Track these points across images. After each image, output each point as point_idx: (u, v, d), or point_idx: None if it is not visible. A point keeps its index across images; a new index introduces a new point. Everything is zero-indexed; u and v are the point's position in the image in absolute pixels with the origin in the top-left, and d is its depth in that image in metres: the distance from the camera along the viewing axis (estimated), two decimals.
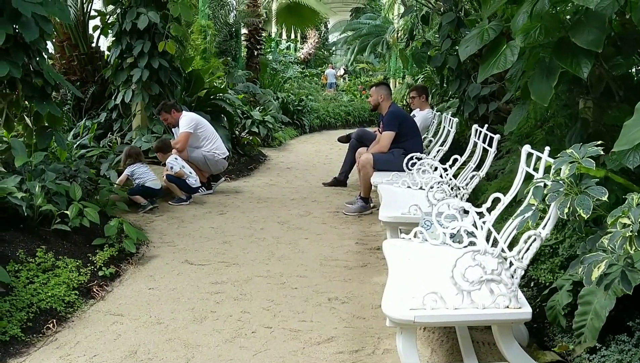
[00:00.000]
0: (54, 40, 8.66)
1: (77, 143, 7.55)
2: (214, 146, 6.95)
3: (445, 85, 6.89)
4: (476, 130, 4.88)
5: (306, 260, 4.50)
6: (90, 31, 9.08)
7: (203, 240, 4.99)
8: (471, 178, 4.27)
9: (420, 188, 5.01)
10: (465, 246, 3.24)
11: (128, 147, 6.44)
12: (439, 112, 7.13)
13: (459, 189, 4.29)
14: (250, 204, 6.47)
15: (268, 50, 19.19)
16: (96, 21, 8.96)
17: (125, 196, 5.54)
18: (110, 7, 8.30)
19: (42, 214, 4.09)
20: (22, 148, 4.34)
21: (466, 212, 3.35)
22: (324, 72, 29.70)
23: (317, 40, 29.08)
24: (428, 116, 7.17)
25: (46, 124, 5.06)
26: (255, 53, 15.48)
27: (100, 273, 3.94)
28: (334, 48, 38.21)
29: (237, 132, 9.83)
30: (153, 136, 7.89)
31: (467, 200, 4.28)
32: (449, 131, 5.82)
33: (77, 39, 8.86)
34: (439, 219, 3.37)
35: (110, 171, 6.68)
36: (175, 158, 6.36)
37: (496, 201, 3.23)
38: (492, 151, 4.19)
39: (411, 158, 5.51)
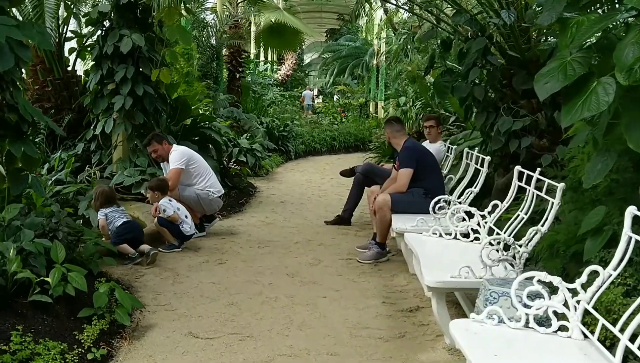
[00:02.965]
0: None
1: (52, 178, 6.80)
2: (208, 183, 6.25)
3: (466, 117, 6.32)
4: (520, 173, 4.27)
5: (332, 329, 3.82)
6: (66, 54, 8.34)
7: (205, 301, 4.28)
8: (533, 234, 3.64)
9: (455, 238, 4.39)
10: (555, 331, 2.64)
11: (99, 187, 5.60)
12: (453, 146, 6.54)
13: (517, 247, 3.66)
14: (251, 250, 5.77)
15: (247, 72, 18.56)
16: (72, 43, 8.24)
17: (114, 248, 4.79)
18: (89, 29, 7.60)
19: (17, 283, 3.34)
20: None
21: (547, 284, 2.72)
22: (301, 93, 29.19)
23: (294, 61, 28.57)
24: (441, 149, 6.58)
25: (20, 166, 4.33)
26: (237, 76, 14.87)
27: (90, 356, 3.21)
28: (308, 70, 37.85)
29: (224, 162, 9.13)
30: (136, 169, 7.16)
31: (526, 262, 3.66)
32: (478, 171, 5.21)
33: (52, 62, 8.11)
34: (519, 294, 2.75)
35: (89, 211, 5.93)
36: (170, 200, 5.64)
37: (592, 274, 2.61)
38: (555, 203, 3.57)
39: (438, 201, 4.89)
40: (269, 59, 27.69)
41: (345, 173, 7.39)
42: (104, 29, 7.24)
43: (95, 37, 7.50)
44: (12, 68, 3.83)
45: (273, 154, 12.50)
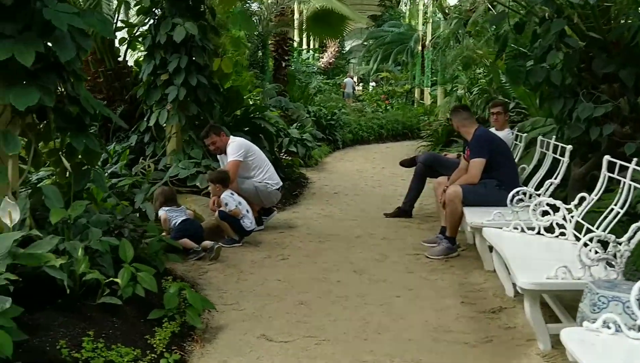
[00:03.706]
0: None
1: (107, 171, 6.70)
2: (266, 175, 6.05)
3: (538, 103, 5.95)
4: (609, 162, 3.93)
5: (412, 332, 3.56)
6: (117, 44, 8.23)
7: (273, 300, 4.08)
8: (635, 231, 3.31)
9: (538, 233, 4.08)
10: None
11: (161, 188, 5.57)
12: (522, 133, 6.17)
13: (617, 245, 3.33)
14: (312, 245, 5.55)
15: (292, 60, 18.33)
16: (123, 33, 8.11)
17: (178, 245, 4.62)
18: (140, 18, 7.46)
19: (85, 284, 3.18)
20: (57, 197, 3.44)
21: None
22: (342, 81, 28.88)
23: (336, 48, 28.22)
24: (509, 137, 6.23)
25: (81, 160, 4.18)
26: (283, 64, 14.65)
27: (163, 362, 3.02)
28: (349, 57, 37.40)
29: (276, 153, 8.93)
30: (191, 161, 7.00)
31: (628, 260, 3.33)
32: (555, 160, 4.87)
33: (103, 53, 8.00)
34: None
35: (145, 204, 5.80)
36: (231, 194, 5.45)
37: None
38: None
39: (516, 193, 4.58)
40: (311, 46, 27.36)
41: (405, 163, 7.10)
42: (156, 17, 7.09)
43: (146, 27, 7.38)
44: (74, 58, 3.67)
45: (321, 144, 12.27)
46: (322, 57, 27.25)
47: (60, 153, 4.12)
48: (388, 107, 20.85)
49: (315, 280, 4.53)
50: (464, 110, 5.44)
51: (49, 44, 3.59)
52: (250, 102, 8.80)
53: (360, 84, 33.57)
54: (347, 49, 36.20)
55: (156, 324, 3.34)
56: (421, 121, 16.77)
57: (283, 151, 9.72)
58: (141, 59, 9.18)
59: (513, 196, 4.58)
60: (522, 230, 4.14)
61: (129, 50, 8.43)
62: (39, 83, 3.54)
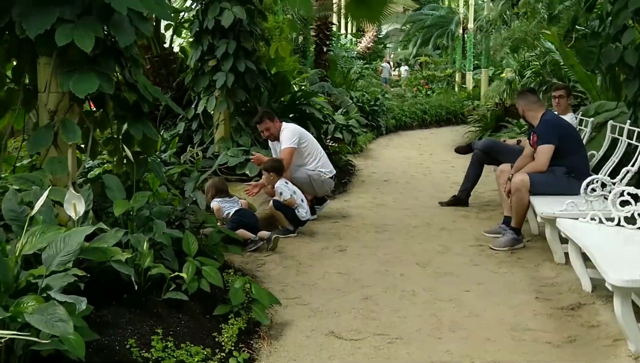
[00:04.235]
0: None
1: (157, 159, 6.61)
2: (320, 163, 5.87)
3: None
4: None
5: (489, 331, 3.36)
6: (162, 30, 8.14)
7: (337, 295, 3.91)
8: None
9: (618, 224, 3.82)
10: None
11: (212, 180, 5.46)
12: (588, 118, 5.86)
13: None
14: (369, 235, 5.36)
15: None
16: None
17: (238, 236, 4.49)
18: (187, 3, 7.33)
19: (150, 279, 3.05)
20: (119, 188, 3.32)
21: None
22: (379, 66, 28.49)
23: (374, 33, 27.81)
24: (573, 121, 5.93)
25: (138, 150, 4.07)
26: (325, 49, 14.38)
27: (232, 361, 2.88)
28: (386, 42, 36.91)
29: (323, 140, 8.74)
30: (240, 149, 6.87)
31: None
32: (633, 147, 4.58)
33: (149, 39, 7.88)
34: None
35: (196, 193, 5.68)
36: (286, 183, 5.30)
37: None
38: None
39: (590, 182, 4.32)
40: (349, 31, 27.05)
41: (461, 150, 6.85)
42: (203, 2, 6.95)
43: (193, 12, 7.25)
44: (132, 43, 3.53)
45: (365, 130, 12.05)
46: (360, 42, 26.90)
47: (115, 140, 4.00)
48: (428, 92, 20.50)
49: (377, 273, 4.35)
50: (531, 93, 5.16)
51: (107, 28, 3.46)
52: (295, 89, 8.61)
53: (396, 70, 33.12)
54: (383, 33, 35.76)
55: (222, 320, 3.20)
56: (465, 106, 16.41)
57: (328, 137, 9.53)
58: (184, 44, 9.10)
59: (587, 185, 4.31)
60: (601, 221, 3.89)
61: (174, 36, 8.33)
62: (98, 69, 3.41)
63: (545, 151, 4.83)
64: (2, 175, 3.88)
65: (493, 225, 5.54)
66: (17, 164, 4.08)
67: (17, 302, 1.97)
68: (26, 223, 2.17)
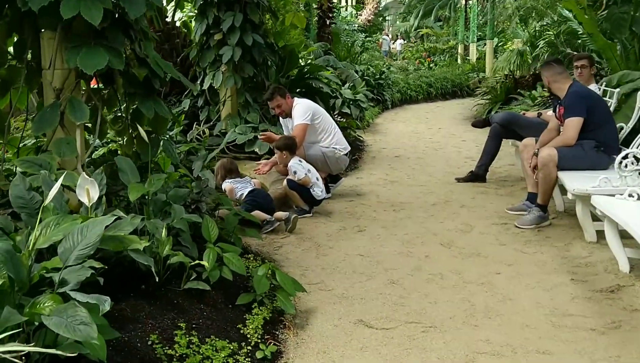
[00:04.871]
0: None
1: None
2: (334, 139, 5.66)
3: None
4: None
5: (526, 317, 3.17)
6: (164, 3, 7.83)
7: (361, 279, 3.72)
8: None
9: None
10: None
11: (220, 161, 5.23)
12: (614, 89, 5.62)
13: None
14: (386, 214, 5.17)
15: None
16: None
17: (255, 219, 4.29)
18: None
19: (169, 268, 2.85)
20: (132, 170, 3.10)
21: None
22: (380, 39, 28.12)
23: (375, 5, 27.38)
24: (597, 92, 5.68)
25: (148, 129, 3.84)
26: (327, 22, 14.05)
27: (259, 355, 2.70)
28: (385, 14, 36.42)
29: (332, 116, 8.50)
30: (248, 126, 6.65)
31: None
32: None
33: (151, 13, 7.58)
34: None
35: (204, 172, 5.47)
36: (300, 161, 5.09)
37: None
38: None
39: (625, 156, 4.11)
40: (349, 3, 26.61)
41: (478, 124, 6.61)
42: None
43: None
44: (142, 15, 3.30)
45: (372, 104, 11.80)
46: (361, 15, 26.48)
47: (124, 118, 3.78)
48: (431, 65, 20.18)
49: (400, 254, 4.16)
50: (557, 63, 4.92)
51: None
52: (301, 63, 8.36)
53: (396, 42, 32.67)
54: (382, 5, 35.26)
55: (245, 310, 3.02)
56: (470, 78, 16.13)
57: (336, 112, 9.29)
58: (184, 19, 8.80)
59: (622, 160, 4.10)
60: (639, 198, 3.70)
61: (177, 10, 8.03)
62: (106, 44, 3.18)
63: (574, 124, 4.62)
64: (7, 159, 3.67)
65: (514, 202, 5.37)
66: (21, 146, 3.85)
67: (33, 303, 1.77)
68: (39, 213, 1.95)
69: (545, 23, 10.38)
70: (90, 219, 2.03)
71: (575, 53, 7.10)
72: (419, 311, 3.26)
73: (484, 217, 5.01)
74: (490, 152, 6.19)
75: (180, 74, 3.76)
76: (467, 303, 3.36)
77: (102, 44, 3.17)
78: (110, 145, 5.37)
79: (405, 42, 30.49)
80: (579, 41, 8.35)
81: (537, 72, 10.71)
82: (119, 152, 4.95)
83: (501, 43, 19.88)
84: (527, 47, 10.78)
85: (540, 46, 9.95)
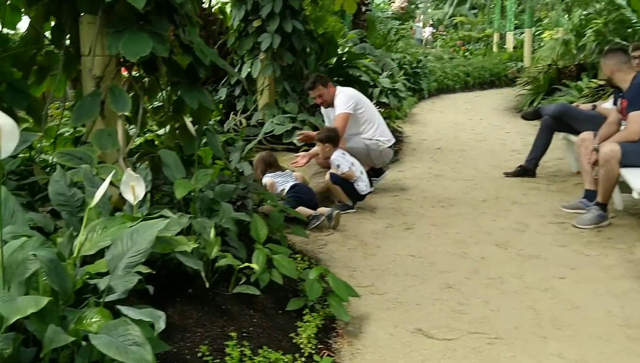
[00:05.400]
0: None
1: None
2: (377, 131, 5.42)
3: None
4: None
5: (598, 327, 2.92)
6: None
7: (414, 282, 3.49)
8: None
9: None
10: None
11: (259, 154, 5.02)
12: None
13: None
14: (434, 211, 4.92)
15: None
16: None
17: (301, 215, 4.08)
18: None
19: (217, 271, 2.66)
20: (177, 165, 2.90)
21: None
22: (414, 27, 27.67)
23: None
24: None
25: (190, 119, 3.65)
26: (363, 9, 13.71)
27: None
28: (417, 1, 35.80)
29: None
30: (286, 116, 6.43)
31: None
32: None
33: None
34: None
35: (242, 164, 5.28)
36: (343, 154, 4.86)
37: None
38: None
39: None
40: None
41: (528, 116, 6.29)
42: None
43: None
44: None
45: (410, 93, 11.51)
46: (394, 2, 26.03)
47: (168, 110, 3.60)
48: (466, 54, 19.74)
49: (454, 255, 3.92)
50: (622, 52, 4.60)
51: None
52: (348, 50, 8.11)
53: (426, 30, 32.07)
54: None
55: (295, 316, 2.82)
56: (508, 67, 15.70)
57: (374, 102, 9.02)
58: (218, 5, 8.60)
59: None
60: None
61: None
62: (149, 29, 2.99)
63: (638, 118, 4.31)
64: (44, 149, 3.51)
65: (568, 198, 5.08)
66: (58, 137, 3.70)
67: (79, 318, 1.58)
68: (81, 212, 1.76)
69: (592, 11, 9.94)
70: (140, 222, 1.84)
71: (629, 43, 6.74)
72: (481, 319, 3.02)
73: (538, 215, 4.74)
74: (542, 146, 5.89)
75: (225, 63, 3.56)
76: (532, 311, 3.11)
77: (146, 29, 2.98)
78: (146, 135, 5.22)
79: (434, 30, 29.96)
80: (630, 30, 7.95)
81: (581, 62, 10.31)
82: (155, 143, 4.79)
83: (538, 32, 19.35)
84: (572, 36, 10.34)
85: (587, 35, 9.53)
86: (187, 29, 3.26)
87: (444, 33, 28.17)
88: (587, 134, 4.81)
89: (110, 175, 1.84)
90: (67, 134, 3.88)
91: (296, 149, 6.11)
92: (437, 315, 3.08)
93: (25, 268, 1.53)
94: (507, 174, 6.04)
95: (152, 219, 1.86)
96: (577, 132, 5.28)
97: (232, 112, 6.82)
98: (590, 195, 4.65)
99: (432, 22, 32.51)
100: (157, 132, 5.05)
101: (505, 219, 4.65)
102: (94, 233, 1.80)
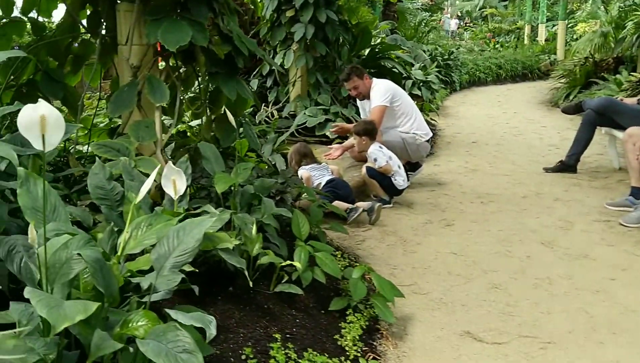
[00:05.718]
0: None
1: None
2: (415, 124, 5.26)
3: None
4: None
5: None
6: None
7: (458, 281, 3.36)
8: None
9: None
10: None
11: (296, 145, 4.93)
12: None
13: None
14: (474, 207, 4.77)
15: None
16: None
17: (341, 211, 3.95)
18: None
19: (259, 269, 2.56)
20: (216, 158, 2.80)
21: None
22: (442, 18, 27.34)
23: None
24: None
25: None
26: (393, 0, 13.55)
27: None
28: None
29: None
30: (319, 108, 6.32)
31: None
32: None
33: None
34: None
35: (274, 157, 5.18)
36: (380, 147, 4.72)
37: None
38: None
39: None
40: None
41: (569, 110, 6.08)
42: None
43: None
44: None
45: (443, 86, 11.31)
46: None
47: (204, 101, 3.50)
48: (496, 46, 19.41)
49: (498, 254, 3.77)
50: None
51: None
52: (382, 41, 7.97)
53: (454, 22, 31.63)
54: None
55: (338, 316, 2.70)
56: (541, 60, 15.38)
57: None
58: None
59: None
60: None
61: None
62: (188, 17, 2.88)
63: None
64: (78, 140, 3.44)
65: (612, 195, 4.90)
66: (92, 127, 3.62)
67: (124, 321, 1.48)
68: (130, 212, 1.67)
69: (631, 2, 9.62)
70: (185, 219, 1.73)
71: None
72: (532, 323, 2.88)
73: (583, 213, 4.56)
74: (584, 141, 5.69)
75: (264, 53, 3.45)
76: (585, 314, 2.96)
77: (185, 17, 2.88)
78: (179, 126, 5.14)
79: (460, 22, 29.56)
80: None
81: (619, 55, 10.01)
82: (187, 133, 4.71)
83: (570, 25, 18.93)
84: (611, 29, 10.03)
85: (627, 27, 9.22)
86: (225, 18, 3.15)
87: (471, 25, 27.78)
88: (634, 130, 4.62)
89: (155, 170, 1.74)
90: (101, 125, 3.82)
91: (329, 142, 6.00)
92: (485, 317, 2.94)
93: (69, 268, 1.44)
94: (547, 170, 5.85)
95: (198, 217, 1.75)
96: (620, 127, 5.09)
97: (263, 104, 6.72)
98: (636, 193, 4.47)
99: (459, 14, 32.12)
100: (190, 123, 4.98)
101: (548, 217, 4.48)
102: (139, 231, 1.70)
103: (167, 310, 1.48)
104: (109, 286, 1.47)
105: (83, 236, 1.49)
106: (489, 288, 3.27)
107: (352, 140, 5.07)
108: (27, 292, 1.23)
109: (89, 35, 3.32)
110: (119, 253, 1.65)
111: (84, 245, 1.46)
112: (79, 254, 1.44)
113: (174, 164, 3.15)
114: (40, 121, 1.27)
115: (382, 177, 4.65)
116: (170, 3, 2.89)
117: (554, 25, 20.96)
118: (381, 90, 5.13)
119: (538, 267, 3.55)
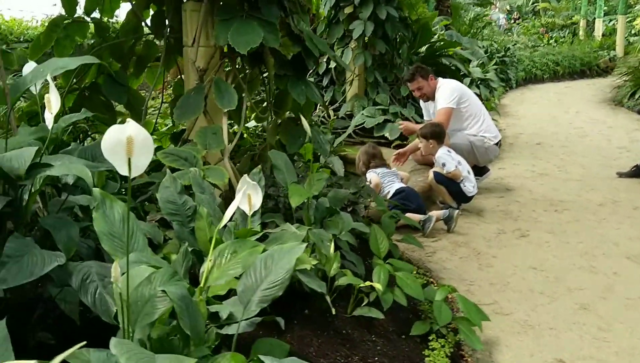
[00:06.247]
0: None
1: None
2: (483, 126, 5.00)
3: None
4: None
5: None
6: None
7: (542, 301, 3.10)
8: None
9: None
10: None
11: (365, 146, 4.73)
12: None
13: None
14: (547, 215, 4.48)
15: None
16: None
17: (415, 223, 3.74)
18: None
19: (336, 290, 2.37)
20: (288, 167, 2.61)
21: None
22: (488, 14, 26.60)
23: None
24: None
25: (291, 114, 3.39)
26: None
27: None
28: None
29: None
30: (377, 108, 6.09)
31: None
32: None
33: None
34: None
35: (332, 159, 4.98)
36: (449, 151, 4.48)
37: None
38: None
39: None
40: None
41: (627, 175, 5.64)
42: None
43: None
44: None
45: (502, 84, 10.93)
46: None
47: (270, 105, 3.33)
48: (550, 41, 18.76)
49: (581, 269, 3.50)
50: None
51: None
52: (442, 38, 7.69)
53: (503, 18, 30.82)
54: None
55: (419, 341, 2.49)
56: (600, 56, 14.78)
57: None
58: None
59: None
60: None
61: None
62: (259, 17, 2.71)
63: None
64: None
65: None
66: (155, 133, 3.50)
67: None
68: (213, 237, 1.49)
69: None
70: (275, 247, 1.55)
71: None
72: (630, 350, 2.62)
73: None
74: None
75: (335, 54, 3.26)
76: None
77: (255, 17, 2.71)
78: (233, 128, 5.01)
79: (508, 17, 28.75)
80: None
81: None
82: (244, 135, 4.56)
83: (629, 19, 18.16)
84: None
85: None
86: (296, 17, 2.97)
87: (520, 20, 27.00)
88: None
89: (242, 190, 1.56)
90: (164, 129, 3.69)
91: (388, 143, 5.79)
92: (577, 342, 2.69)
93: (153, 307, 1.27)
94: (621, 175, 5.50)
95: (287, 244, 1.57)
96: None
97: (318, 104, 6.54)
98: None
99: (508, 9, 31.29)
100: (246, 125, 4.83)
101: (630, 228, 4.17)
102: (222, 259, 1.52)
103: (262, 358, 1.29)
104: (195, 326, 1.30)
105: (167, 270, 1.32)
106: (577, 309, 3.01)
107: (416, 143, 4.84)
108: (114, 345, 1.07)
109: (152, 36, 3.18)
110: (201, 285, 1.47)
111: (169, 280, 1.29)
112: (163, 291, 1.27)
113: (239, 171, 2.99)
114: (127, 144, 1.10)
115: (450, 183, 4.41)
116: (240, 2, 2.71)
117: (610, 20, 20.17)
118: (447, 91, 4.89)
119: (628, 285, 3.27)
